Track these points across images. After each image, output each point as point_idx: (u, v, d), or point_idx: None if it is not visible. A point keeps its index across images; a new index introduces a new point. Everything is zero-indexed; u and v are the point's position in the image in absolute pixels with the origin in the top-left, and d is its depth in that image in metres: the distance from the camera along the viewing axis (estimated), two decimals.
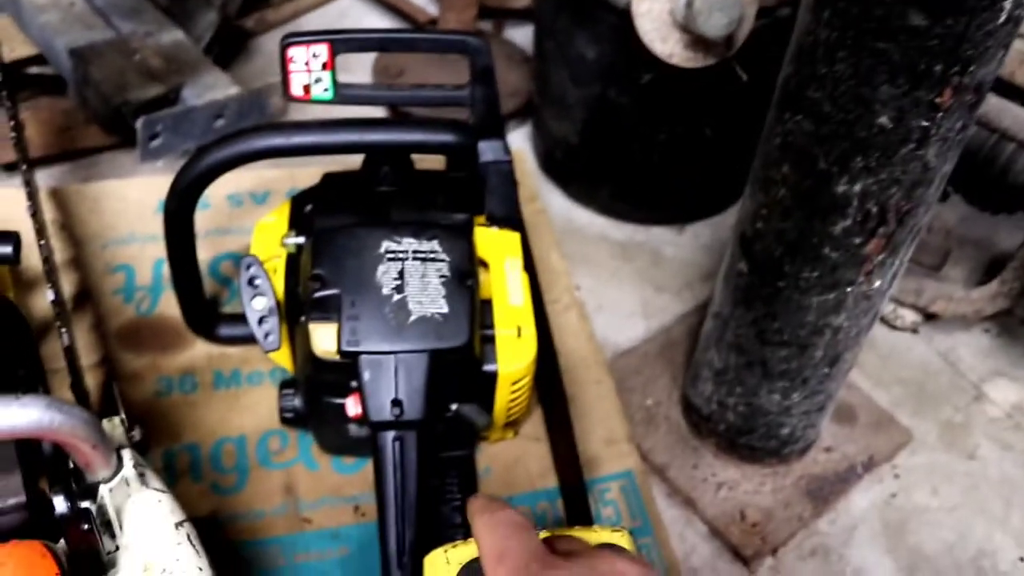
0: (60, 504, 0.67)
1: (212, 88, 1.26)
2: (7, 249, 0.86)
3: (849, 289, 0.83)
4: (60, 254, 1.16)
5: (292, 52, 0.92)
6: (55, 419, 0.62)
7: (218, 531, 0.95)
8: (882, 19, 0.64)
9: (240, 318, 0.89)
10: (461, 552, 0.67)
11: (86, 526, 0.68)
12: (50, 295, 0.91)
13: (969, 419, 1.16)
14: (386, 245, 0.88)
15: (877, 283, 0.83)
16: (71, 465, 0.70)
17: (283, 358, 0.98)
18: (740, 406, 0.99)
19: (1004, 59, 0.68)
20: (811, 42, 0.70)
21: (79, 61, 1.23)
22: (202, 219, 1.20)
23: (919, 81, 0.66)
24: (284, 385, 0.97)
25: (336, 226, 0.90)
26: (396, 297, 0.85)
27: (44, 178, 1.30)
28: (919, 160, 0.72)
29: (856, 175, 0.74)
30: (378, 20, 1.68)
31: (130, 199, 1.23)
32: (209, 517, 0.96)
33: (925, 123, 0.69)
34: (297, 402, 0.96)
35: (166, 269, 1.00)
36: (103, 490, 0.71)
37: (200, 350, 1.10)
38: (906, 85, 0.67)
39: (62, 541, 0.68)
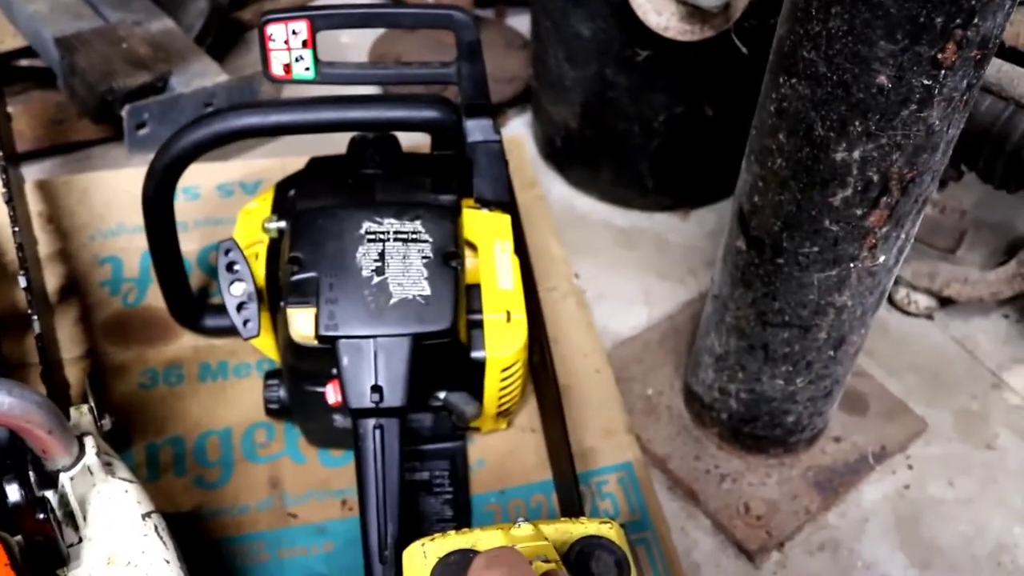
0: (13, 492, 0.64)
1: (200, 76, 1.24)
2: None
3: (852, 265, 0.79)
4: (47, 246, 1.13)
5: (271, 30, 0.89)
6: (4, 401, 0.59)
7: (201, 526, 0.92)
8: None
9: (226, 308, 0.86)
10: (439, 545, 0.64)
11: (42, 515, 0.64)
12: (22, 282, 0.88)
13: (987, 408, 1.11)
14: (366, 226, 0.84)
15: (881, 258, 0.79)
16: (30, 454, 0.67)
17: (268, 347, 0.95)
18: (742, 393, 0.95)
19: (1011, 11, 0.64)
20: None
21: (65, 50, 1.21)
22: (192, 209, 1.19)
23: (919, 35, 0.62)
24: (269, 376, 0.94)
25: (316, 208, 0.87)
26: (376, 279, 0.82)
27: (35, 171, 1.27)
28: (922, 123, 0.67)
29: (855, 141, 0.69)
30: None
31: (119, 190, 1.20)
32: (192, 512, 0.93)
33: (927, 81, 0.64)
34: (282, 393, 0.93)
35: None
36: (64, 479, 0.68)
37: (187, 342, 1.07)
38: (905, 40, 0.62)
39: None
